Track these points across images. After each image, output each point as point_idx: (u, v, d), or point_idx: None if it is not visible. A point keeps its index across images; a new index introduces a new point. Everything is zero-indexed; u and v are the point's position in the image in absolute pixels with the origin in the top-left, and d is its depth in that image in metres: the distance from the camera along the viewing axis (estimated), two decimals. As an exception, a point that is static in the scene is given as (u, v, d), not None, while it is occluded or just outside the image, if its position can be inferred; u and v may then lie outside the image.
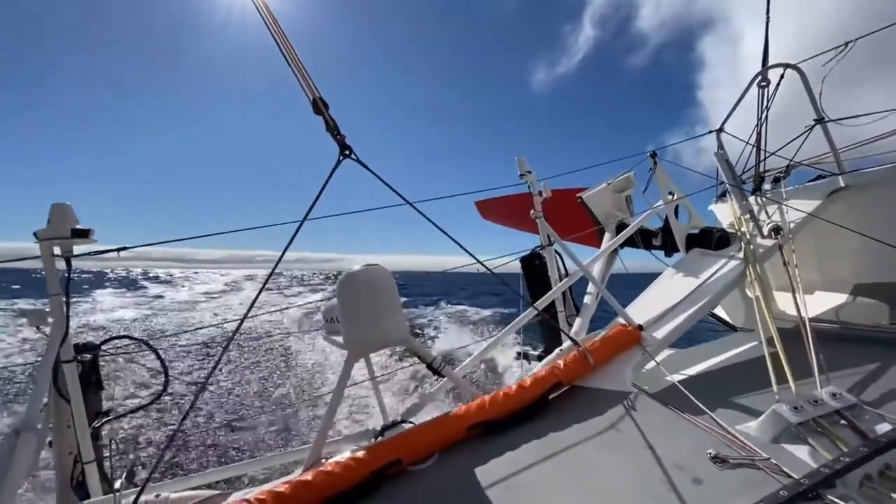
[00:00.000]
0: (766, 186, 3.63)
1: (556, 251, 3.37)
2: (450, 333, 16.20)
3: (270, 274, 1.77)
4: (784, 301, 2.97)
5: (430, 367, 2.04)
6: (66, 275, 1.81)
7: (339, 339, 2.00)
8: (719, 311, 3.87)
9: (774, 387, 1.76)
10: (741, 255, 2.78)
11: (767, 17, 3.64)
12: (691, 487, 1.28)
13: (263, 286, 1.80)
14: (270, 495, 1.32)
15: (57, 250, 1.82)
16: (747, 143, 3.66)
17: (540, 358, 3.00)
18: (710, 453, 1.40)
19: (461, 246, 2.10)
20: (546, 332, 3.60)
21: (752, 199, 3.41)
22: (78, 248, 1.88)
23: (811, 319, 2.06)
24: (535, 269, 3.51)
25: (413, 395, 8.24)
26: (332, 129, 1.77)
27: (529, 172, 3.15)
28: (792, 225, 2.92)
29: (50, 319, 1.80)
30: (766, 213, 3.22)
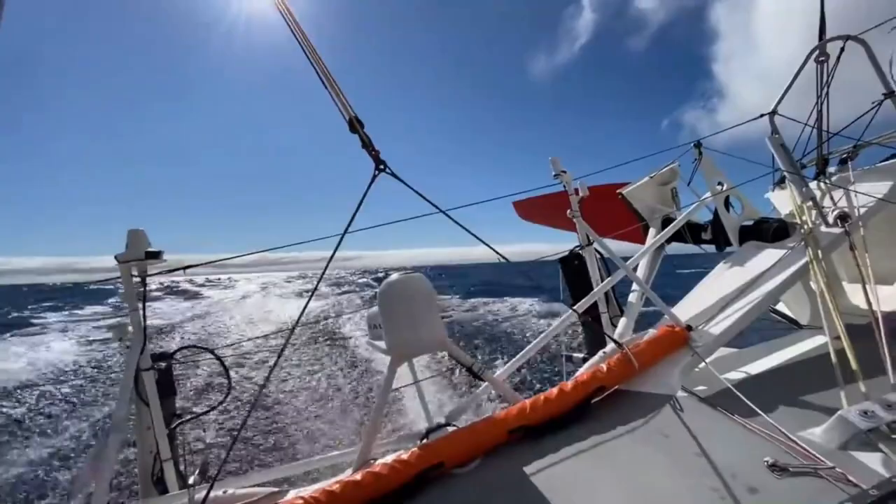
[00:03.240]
0: (830, 170, 3.33)
1: (597, 250, 3.29)
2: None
3: (318, 282, 1.88)
4: (855, 294, 2.72)
5: (470, 371, 2.07)
6: (143, 292, 2.03)
7: (382, 343, 2.08)
8: (782, 308, 3.60)
9: (842, 389, 1.63)
10: (803, 245, 2.58)
11: None
12: (746, 497, 1.22)
13: (310, 297, 1.92)
14: (324, 494, 1.41)
15: (134, 271, 2.05)
16: (806, 124, 3.38)
17: (584, 360, 2.94)
18: (767, 461, 1.33)
19: (495, 251, 2.13)
20: (589, 335, 3.52)
21: (813, 184, 3.16)
22: (151, 268, 2.10)
23: (885, 314, 1.89)
24: (575, 269, 3.44)
25: (457, 398, 8.30)
26: (368, 145, 1.87)
27: (564, 172, 3.10)
28: (861, 211, 2.67)
29: (130, 332, 2.03)
30: (832, 199, 2.96)
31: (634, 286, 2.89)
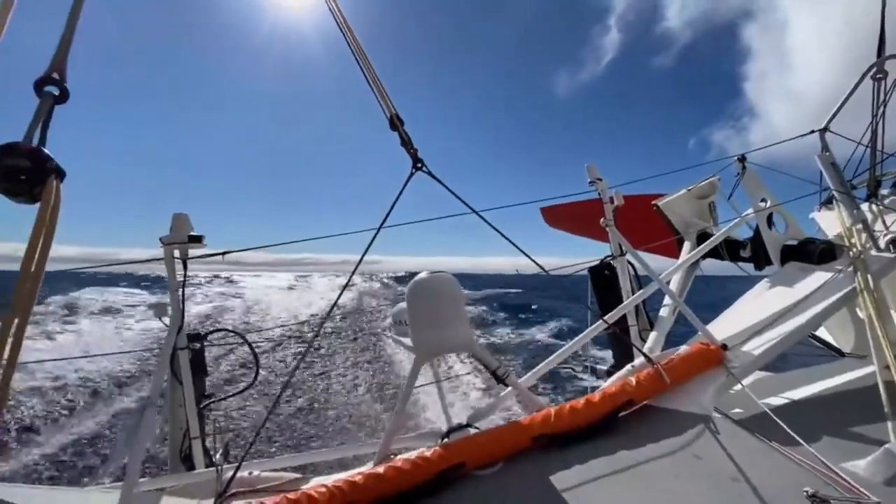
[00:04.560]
0: (883, 192, 3.17)
1: (629, 261, 3.21)
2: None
3: (350, 277, 1.92)
4: None
5: (493, 374, 2.05)
6: (184, 274, 2.11)
7: (407, 340, 2.09)
8: (823, 335, 3.43)
9: (889, 422, 1.54)
10: (851, 270, 2.45)
11: (884, 3, 3.20)
12: None
13: (344, 288, 1.96)
14: (346, 484, 1.42)
15: (176, 253, 2.13)
16: (859, 143, 3.23)
17: (609, 373, 2.87)
18: (806, 491, 1.27)
19: (527, 255, 2.11)
20: (616, 347, 3.44)
21: (865, 206, 3.00)
22: (192, 252, 2.18)
23: None
24: (605, 280, 3.37)
25: (479, 400, 8.29)
26: (407, 143, 1.89)
27: (600, 179, 3.05)
28: None
29: (170, 311, 2.11)
30: (884, 222, 2.81)
31: (666, 300, 2.81)
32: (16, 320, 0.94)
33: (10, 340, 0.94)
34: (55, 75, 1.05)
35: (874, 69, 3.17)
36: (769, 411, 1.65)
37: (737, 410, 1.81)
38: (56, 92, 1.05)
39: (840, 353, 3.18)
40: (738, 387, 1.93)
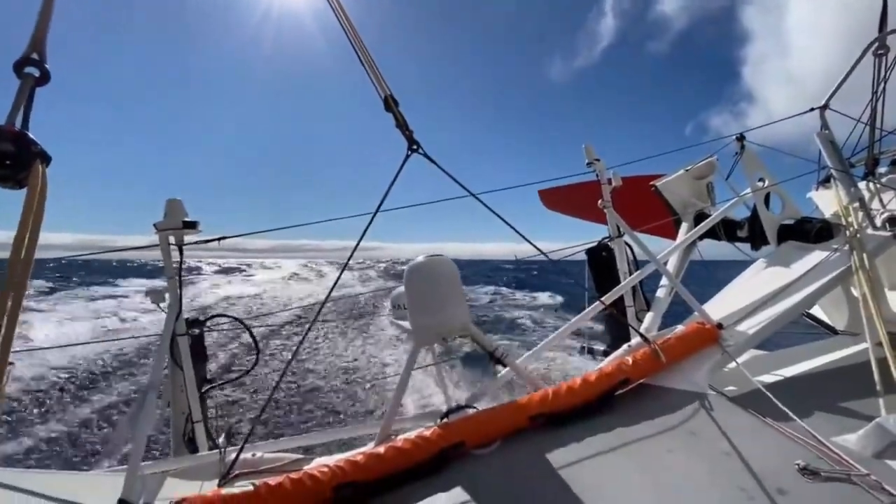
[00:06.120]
0: (881, 170, 3.15)
1: (626, 243, 3.21)
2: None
3: (346, 263, 1.91)
4: None
5: (491, 356, 2.07)
6: (179, 260, 2.11)
7: (406, 323, 2.10)
8: (817, 313, 3.47)
9: (881, 397, 1.57)
10: (847, 248, 2.46)
11: None
12: (776, 499, 1.20)
13: (342, 272, 1.96)
14: (348, 463, 1.45)
15: (171, 239, 2.12)
16: (858, 120, 3.20)
17: (605, 354, 2.90)
18: (798, 464, 1.30)
19: (525, 238, 2.10)
20: (613, 328, 3.47)
21: (862, 184, 2.99)
22: (187, 238, 2.17)
23: None
24: (602, 262, 3.38)
25: (477, 382, 8.41)
26: (402, 125, 1.85)
27: (598, 160, 3.02)
28: None
29: (167, 298, 2.11)
30: (881, 200, 2.81)
31: (663, 281, 2.83)
32: (9, 303, 0.94)
33: (3, 328, 0.93)
34: (35, 56, 1.02)
35: (875, 45, 3.12)
36: (763, 388, 1.68)
37: (731, 388, 1.84)
38: (37, 73, 1.02)
39: (833, 331, 3.22)
40: (733, 364, 1.95)
